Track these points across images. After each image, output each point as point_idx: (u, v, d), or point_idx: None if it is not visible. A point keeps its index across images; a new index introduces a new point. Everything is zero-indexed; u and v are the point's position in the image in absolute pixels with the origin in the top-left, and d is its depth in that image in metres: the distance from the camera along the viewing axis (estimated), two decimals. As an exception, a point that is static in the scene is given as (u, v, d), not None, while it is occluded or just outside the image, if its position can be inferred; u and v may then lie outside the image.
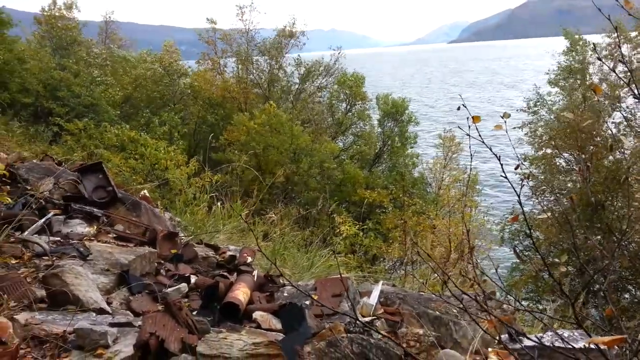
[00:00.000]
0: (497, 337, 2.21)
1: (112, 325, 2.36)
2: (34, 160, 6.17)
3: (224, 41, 23.40)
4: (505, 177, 1.90)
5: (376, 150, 20.45)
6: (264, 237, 8.65)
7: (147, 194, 6.82)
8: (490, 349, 4.10)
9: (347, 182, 16.70)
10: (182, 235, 5.66)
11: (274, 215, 7.87)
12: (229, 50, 23.63)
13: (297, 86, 22.81)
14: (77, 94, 16.59)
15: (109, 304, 3.03)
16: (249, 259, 5.09)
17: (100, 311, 2.72)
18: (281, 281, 4.96)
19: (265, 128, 16.06)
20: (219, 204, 8.70)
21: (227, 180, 13.21)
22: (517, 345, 4.87)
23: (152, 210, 5.68)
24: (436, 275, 8.46)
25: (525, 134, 17.01)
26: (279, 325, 3.39)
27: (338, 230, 9.46)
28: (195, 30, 24.90)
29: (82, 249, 3.75)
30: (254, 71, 22.79)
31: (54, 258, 3.58)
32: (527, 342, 4.81)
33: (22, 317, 2.48)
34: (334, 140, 19.66)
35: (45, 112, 16.32)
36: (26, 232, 3.92)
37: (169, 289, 3.65)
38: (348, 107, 21.15)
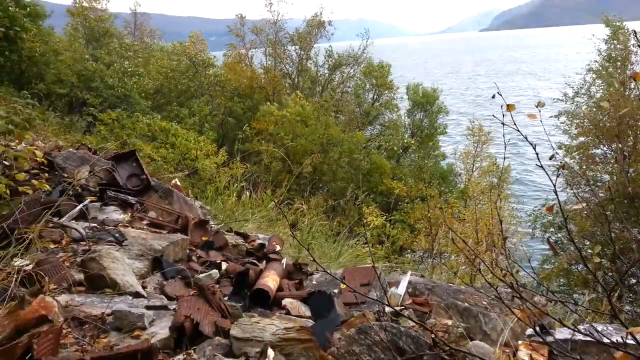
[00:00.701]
0: (532, 328, 2.18)
1: (148, 308, 2.43)
2: (70, 149, 6.36)
3: (252, 32, 23.52)
4: (541, 167, 1.87)
5: (404, 141, 20.27)
6: (292, 226, 8.72)
7: (178, 183, 6.95)
8: (520, 342, 4.05)
9: (374, 172, 16.64)
10: (212, 223, 5.76)
11: (302, 205, 7.89)
12: (257, 42, 23.76)
13: (325, 76, 22.75)
14: (110, 85, 16.97)
15: (143, 288, 3.11)
16: (278, 248, 5.15)
17: (136, 295, 2.80)
18: (309, 269, 5.00)
19: (297, 118, 16.11)
20: (247, 193, 8.81)
21: (256, 170, 13.34)
22: (550, 338, 4.80)
23: (184, 198, 5.80)
24: (465, 266, 8.39)
25: (562, 122, 16.56)
26: (308, 313, 3.43)
27: (366, 221, 9.44)
28: (224, 21, 25.11)
29: (117, 235, 3.86)
30: (284, 61, 22.84)
31: (91, 243, 3.70)
32: (559, 335, 4.72)
33: (62, 299, 2.57)
34: (361, 131, 19.55)
35: (79, 103, 16.76)
36: (64, 218, 4.05)
37: (201, 275, 3.72)
38: (375, 97, 20.97)
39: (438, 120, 20.19)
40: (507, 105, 1.95)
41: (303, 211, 8.92)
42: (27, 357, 1.57)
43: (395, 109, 20.75)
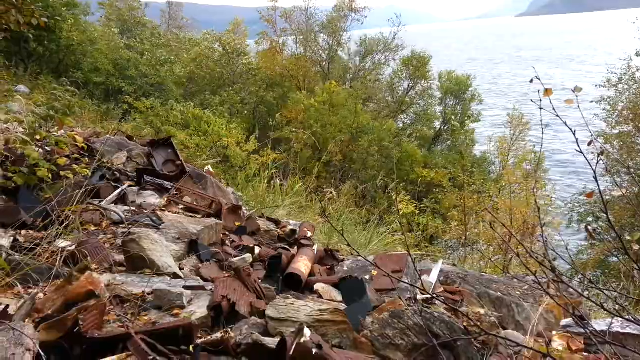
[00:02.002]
0: (572, 316, 2.14)
1: (186, 288, 2.50)
2: (108, 136, 6.55)
3: (283, 18, 23.48)
4: (580, 152, 1.82)
5: (436, 129, 19.97)
6: (322, 214, 8.77)
7: (211, 169, 7.07)
8: (554, 332, 3.99)
9: (405, 160, 16.51)
10: (244, 209, 5.85)
11: (332, 192, 7.92)
12: (289, 29, 23.72)
13: (357, 63, 22.56)
14: (145, 74, 17.30)
15: (180, 269, 3.20)
16: (309, 234, 5.19)
17: (174, 276, 2.88)
18: (340, 256, 5.04)
19: (325, 107, 16.07)
20: (278, 180, 8.90)
21: (286, 158, 13.43)
22: (585, 330, 4.69)
23: (217, 184, 5.90)
24: (498, 256, 8.26)
25: (603, 109, 15.99)
26: (339, 298, 3.46)
27: (399, 208, 9.39)
28: (254, 10, 25.13)
29: (155, 219, 3.97)
30: (315, 49, 22.76)
31: (130, 226, 3.82)
32: (596, 326, 4.61)
33: (104, 278, 2.67)
34: (394, 120, 19.35)
35: (115, 91, 17.17)
36: (104, 202, 4.19)
37: (235, 259, 3.79)
38: (411, 85, 20.68)
39: (471, 108, 19.79)
40: (545, 90, 1.91)
41: (333, 198, 8.95)
42: (75, 330, 1.64)
43: (430, 98, 20.43)
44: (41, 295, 1.92)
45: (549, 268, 1.59)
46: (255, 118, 20.30)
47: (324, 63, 23.06)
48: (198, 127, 13.70)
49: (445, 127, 20.01)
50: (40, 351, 1.41)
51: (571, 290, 5.49)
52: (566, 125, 1.72)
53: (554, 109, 1.76)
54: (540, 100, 1.85)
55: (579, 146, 1.68)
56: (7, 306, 1.75)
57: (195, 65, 20.94)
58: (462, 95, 19.65)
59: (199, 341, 1.87)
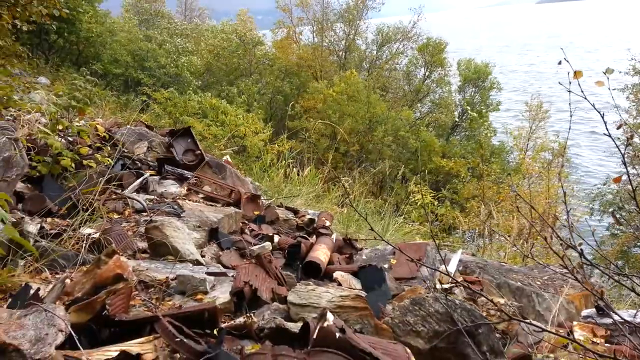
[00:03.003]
0: (599, 302, 2.11)
1: (208, 274, 2.53)
2: (128, 126, 6.63)
3: (298, 6, 23.34)
4: (609, 135, 1.79)
5: (454, 119, 19.72)
6: (344, 194, 8.78)
7: (230, 159, 7.12)
8: (575, 323, 3.95)
9: (422, 150, 16.39)
10: (263, 198, 5.89)
11: (349, 180, 7.92)
12: (305, 18, 23.59)
13: (373, 53, 22.37)
14: (163, 65, 17.43)
15: (202, 257, 3.25)
16: (327, 223, 5.21)
17: (196, 262, 2.92)
18: (358, 245, 5.05)
19: (343, 97, 16.00)
20: (295, 170, 8.92)
21: (302, 148, 13.44)
22: (607, 320, 4.64)
23: (236, 173, 5.95)
24: (516, 247, 8.18)
25: (627, 97, 15.60)
26: (358, 286, 3.47)
27: (418, 198, 9.36)
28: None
29: (176, 207, 4.02)
30: (331, 38, 22.62)
31: (152, 214, 3.87)
32: (617, 318, 4.55)
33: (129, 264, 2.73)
34: (411, 109, 19.17)
35: (134, 82, 17.34)
36: (126, 190, 4.25)
37: (255, 247, 3.82)
38: (427, 73, 20.43)
39: (490, 96, 19.48)
40: (575, 72, 1.87)
41: (349, 186, 8.95)
42: (103, 313, 1.69)
43: (447, 86, 20.14)
44: (69, 280, 1.97)
45: (578, 251, 1.57)
46: (272, 108, 20.32)
47: (341, 52, 22.92)
48: (215, 117, 13.78)
49: (464, 117, 19.75)
50: (72, 332, 1.45)
51: (592, 281, 5.43)
52: (594, 107, 1.69)
53: (582, 91, 1.72)
54: (570, 83, 1.82)
55: (607, 129, 1.65)
56: (38, 289, 1.80)
57: (212, 56, 21.01)
58: (481, 83, 19.34)
59: (222, 325, 1.90)
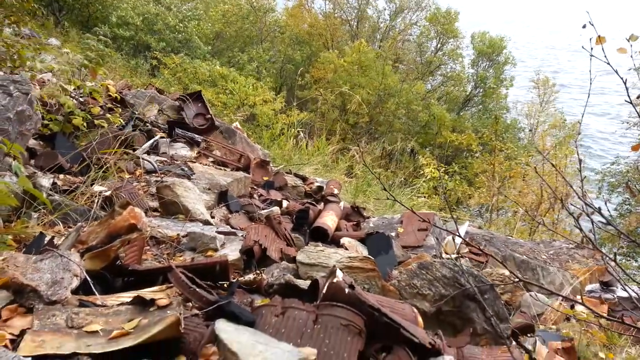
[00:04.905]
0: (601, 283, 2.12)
1: (219, 233, 2.56)
2: (139, 89, 6.61)
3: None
4: (630, 103, 1.76)
5: (466, 93, 19.40)
6: (347, 174, 8.80)
7: (239, 126, 7.11)
8: (579, 297, 3.97)
9: (432, 124, 16.23)
10: (272, 165, 5.90)
11: (358, 150, 7.90)
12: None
13: (386, 23, 21.92)
14: (172, 27, 17.20)
15: (211, 217, 3.28)
16: (336, 190, 5.22)
17: (206, 222, 2.95)
18: (365, 214, 5.07)
19: (355, 67, 15.77)
20: (305, 139, 8.91)
21: (312, 118, 13.37)
22: (610, 295, 4.66)
23: (246, 139, 5.95)
24: (524, 223, 8.19)
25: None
26: (365, 252, 3.50)
27: (422, 172, 9.34)
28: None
29: (186, 169, 4.05)
30: (343, 6, 22.15)
31: (162, 175, 3.90)
32: (620, 293, 4.57)
33: (140, 221, 2.76)
34: (422, 81, 18.88)
35: (143, 47, 17.15)
36: (138, 151, 4.27)
37: (263, 211, 3.85)
38: (439, 45, 20.01)
39: (504, 71, 19.10)
40: (598, 37, 1.83)
41: (359, 157, 8.93)
42: (116, 263, 1.72)
43: (460, 58, 19.73)
44: (83, 230, 2.00)
45: (596, 210, 1.56)
46: (282, 77, 20.12)
47: (352, 22, 22.48)
48: (225, 85, 13.68)
49: (477, 91, 19.41)
50: (87, 277, 1.48)
51: (598, 257, 5.44)
52: (617, 74, 1.65)
53: (605, 56, 1.68)
54: (592, 49, 1.78)
55: (629, 96, 1.61)
56: (53, 237, 1.83)
57: (223, 22, 20.69)
58: (495, 57, 18.94)
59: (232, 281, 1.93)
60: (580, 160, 1.79)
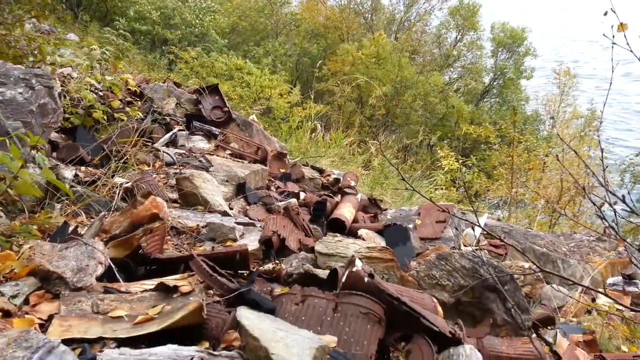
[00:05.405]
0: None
1: (237, 223, 2.58)
2: (157, 82, 6.67)
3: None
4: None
5: (485, 84, 19.11)
6: (364, 166, 8.78)
7: (256, 119, 7.14)
8: (600, 290, 3.91)
9: (450, 116, 16.05)
10: (288, 157, 5.92)
11: (376, 143, 7.88)
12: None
13: (401, 14, 21.70)
14: (189, 22, 17.30)
15: (230, 209, 3.30)
16: (353, 183, 5.22)
17: (224, 214, 2.98)
18: (383, 206, 5.06)
19: (372, 60, 15.67)
20: (321, 131, 8.91)
21: (329, 110, 13.33)
22: (633, 288, 4.58)
23: (263, 131, 5.97)
24: (544, 215, 8.08)
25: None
26: (383, 244, 3.49)
27: (440, 165, 9.27)
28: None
29: (204, 161, 4.08)
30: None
31: (181, 167, 3.94)
32: (644, 286, 4.48)
33: (159, 212, 2.79)
34: (440, 73, 18.66)
35: (160, 41, 17.30)
36: (157, 143, 4.32)
37: (281, 203, 3.87)
38: (459, 36, 19.71)
39: (524, 63, 18.77)
40: (619, 24, 1.78)
41: (375, 150, 8.91)
42: (139, 251, 1.75)
43: (480, 50, 19.42)
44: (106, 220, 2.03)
45: (620, 198, 1.53)
46: (297, 70, 20.09)
47: (367, 14, 22.29)
48: (241, 79, 13.72)
49: (495, 83, 19.11)
50: (112, 264, 1.51)
51: (621, 250, 5.35)
52: (637, 58, 1.61)
53: (627, 43, 1.64)
54: (613, 36, 1.74)
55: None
56: (77, 226, 1.87)
57: (238, 16, 20.72)
58: (515, 48, 18.60)
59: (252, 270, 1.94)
60: (602, 149, 1.76)
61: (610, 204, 1.69)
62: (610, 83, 1.99)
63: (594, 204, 1.68)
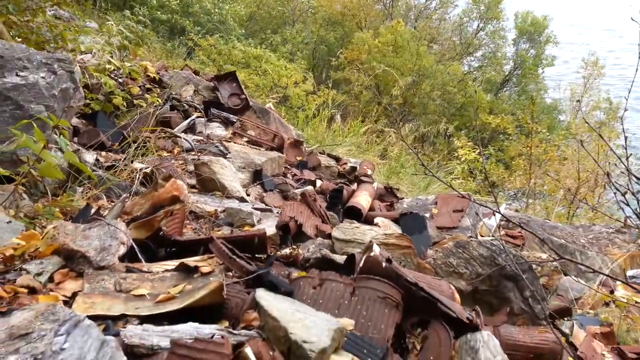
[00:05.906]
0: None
1: (255, 209, 2.60)
2: (175, 70, 6.71)
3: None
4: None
5: (504, 74, 18.80)
6: (380, 156, 8.75)
7: (273, 107, 7.14)
8: (619, 282, 3.86)
9: (469, 106, 15.86)
10: (305, 145, 5.93)
11: (395, 130, 7.83)
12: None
13: (421, 1, 21.40)
14: (208, 11, 17.31)
15: (246, 195, 3.33)
16: (369, 171, 5.21)
17: (242, 200, 3.01)
18: (399, 195, 5.04)
19: (389, 48, 15.51)
20: (338, 119, 8.88)
21: (346, 99, 13.28)
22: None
23: (279, 119, 5.98)
24: (562, 207, 7.97)
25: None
26: (399, 232, 3.49)
27: (456, 154, 9.19)
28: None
29: (222, 148, 4.11)
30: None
31: (199, 154, 3.97)
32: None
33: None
34: (459, 62, 18.40)
35: (179, 30, 17.36)
36: (175, 130, 4.36)
37: (297, 190, 3.88)
38: (481, 25, 19.37)
39: (545, 51, 18.42)
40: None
41: (392, 140, 8.87)
42: (160, 233, 1.77)
43: (502, 39, 19.08)
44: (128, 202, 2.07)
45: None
46: (314, 58, 20.00)
47: (386, 1, 22.03)
48: (258, 67, 13.72)
49: (516, 72, 18.79)
50: (134, 244, 1.54)
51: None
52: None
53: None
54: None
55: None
56: (99, 208, 1.90)
57: (256, 4, 20.67)
58: (537, 37, 18.23)
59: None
60: (626, 137, 1.73)
61: (633, 193, 1.67)
62: (636, 71, 1.94)
63: (618, 190, 1.65)
